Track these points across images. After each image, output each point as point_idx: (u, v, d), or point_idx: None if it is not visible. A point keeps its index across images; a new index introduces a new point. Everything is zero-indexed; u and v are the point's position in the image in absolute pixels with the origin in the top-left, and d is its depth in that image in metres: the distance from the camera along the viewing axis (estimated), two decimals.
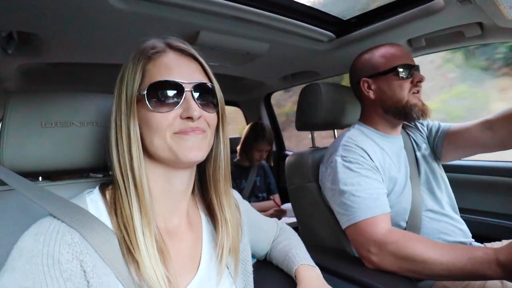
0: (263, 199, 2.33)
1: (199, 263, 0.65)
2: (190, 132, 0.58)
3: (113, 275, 0.51)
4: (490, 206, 1.49)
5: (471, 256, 0.81)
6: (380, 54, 1.17)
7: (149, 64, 0.59)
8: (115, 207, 0.56)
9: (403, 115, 1.13)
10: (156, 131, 0.57)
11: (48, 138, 0.70)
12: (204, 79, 0.62)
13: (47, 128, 0.69)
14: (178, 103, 0.57)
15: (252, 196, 2.28)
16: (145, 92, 0.57)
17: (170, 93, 0.57)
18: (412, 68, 1.12)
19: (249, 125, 2.35)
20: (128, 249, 0.52)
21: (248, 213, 0.85)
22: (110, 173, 0.60)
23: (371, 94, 1.19)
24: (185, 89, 0.58)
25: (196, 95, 0.59)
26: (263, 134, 2.25)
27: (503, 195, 1.45)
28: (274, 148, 2.81)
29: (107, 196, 0.59)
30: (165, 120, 0.57)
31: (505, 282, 0.93)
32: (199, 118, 0.58)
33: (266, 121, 2.76)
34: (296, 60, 1.67)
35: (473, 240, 1.15)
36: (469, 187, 1.54)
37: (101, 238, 0.51)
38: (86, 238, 0.50)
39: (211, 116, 0.62)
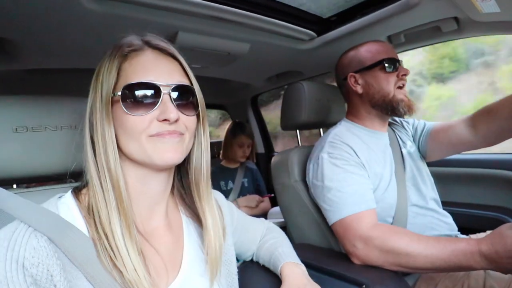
0: None
1: (181, 265, 0.64)
2: (167, 135, 0.56)
3: (84, 278, 0.49)
4: (474, 198, 1.51)
5: (454, 247, 0.82)
6: (365, 50, 1.19)
7: (125, 63, 0.58)
8: (93, 212, 0.54)
9: (390, 109, 1.14)
10: (131, 134, 0.56)
11: (21, 143, 0.68)
12: (183, 80, 0.60)
13: (20, 133, 0.68)
14: (155, 105, 0.55)
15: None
16: (120, 93, 0.55)
17: (147, 95, 0.55)
18: (396, 62, 1.14)
19: (228, 126, 2.37)
20: (109, 255, 0.51)
21: (232, 214, 0.84)
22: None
23: (359, 89, 1.20)
24: (163, 91, 0.56)
25: (174, 97, 0.57)
26: (241, 129, 2.27)
27: (486, 187, 1.48)
28: (262, 150, 2.80)
29: (83, 200, 0.57)
30: (141, 123, 0.55)
31: (488, 271, 0.94)
32: (176, 121, 0.57)
33: (254, 123, 2.76)
34: (279, 60, 1.67)
35: (459, 232, 1.16)
36: (453, 180, 1.56)
37: (71, 242, 0.49)
38: (55, 241, 0.48)
39: (190, 119, 0.60)
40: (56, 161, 0.71)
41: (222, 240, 0.69)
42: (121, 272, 0.50)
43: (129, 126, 0.55)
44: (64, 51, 1.21)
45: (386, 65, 1.13)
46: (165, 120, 0.55)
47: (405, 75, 1.14)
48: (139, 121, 0.55)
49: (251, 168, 2.38)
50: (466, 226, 1.30)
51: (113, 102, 0.56)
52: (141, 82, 0.55)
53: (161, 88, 0.56)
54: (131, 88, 0.55)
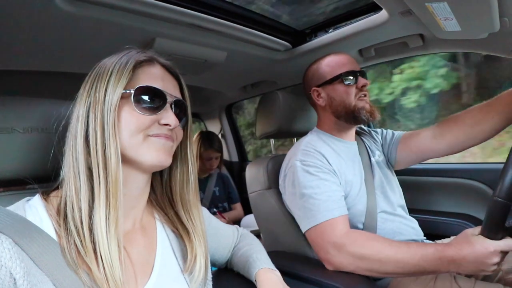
0: (224, 209, 2.31)
1: (152, 269, 0.63)
2: (164, 137, 0.61)
3: (50, 283, 0.47)
4: (439, 206, 1.59)
5: (424, 252, 0.85)
6: (325, 64, 1.24)
7: (139, 69, 0.61)
8: (64, 210, 0.54)
9: (353, 119, 1.19)
10: (134, 130, 0.58)
11: None
12: (181, 98, 0.67)
13: None
14: (160, 110, 0.61)
15: (212, 207, 2.24)
16: (133, 91, 0.58)
17: (156, 99, 0.60)
18: (356, 74, 1.18)
19: (195, 136, 2.31)
20: (78, 251, 0.50)
21: (206, 221, 0.83)
22: (61, 177, 0.58)
23: (321, 102, 1.25)
24: (168, 100, 0.62)
25: (174, 108, 0.64)
26: (209, 142, 2.24)
27: (450, 195, 1.56)
28: (236, 159, 2.79)
29: (51, 202, 0.56)
30: (145, 122, 0.59)
31: (454, 274, 0.99)
32: (174, 128, 0.63)
33: (228, 132, 2.75)
34: (254, 70, 1.69)
35: (425, 238, 1.22)
36: (420, 189, 1.63)
37: (39, 247, 0.48)
38: (21, 245, 0.46)
39: (181, 131, 0.68)
40: (24, 165, 0.68)
41: (207, 251, 0.71)
42: (90, 268, 0.50)
43: (134, 123, 0.59)
44: (35, 53, 1.14)
45: (345, 79, 1.18)
46: (166, 124, 0.61)
47: (365, 86, 1.19)
48: (145, 119, 0.59)
49: (222, 176, 2.37)
50: (432, 232, 1.36)
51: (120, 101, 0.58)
52: (155, 87, 0.61)
53: (167, 97, 0.62)
54: (145, 89, 0.60)
